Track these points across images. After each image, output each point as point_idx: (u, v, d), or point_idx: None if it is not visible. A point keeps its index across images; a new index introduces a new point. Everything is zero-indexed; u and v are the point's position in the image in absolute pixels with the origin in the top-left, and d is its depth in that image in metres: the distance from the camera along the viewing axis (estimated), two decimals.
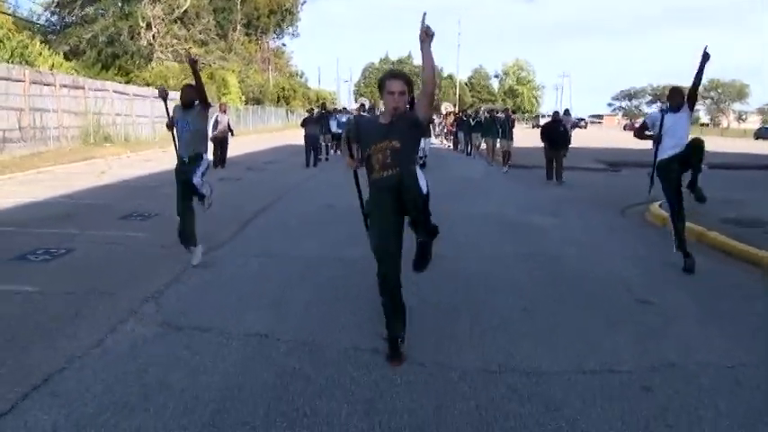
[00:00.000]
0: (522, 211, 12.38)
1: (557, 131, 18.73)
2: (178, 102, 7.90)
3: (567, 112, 27.85)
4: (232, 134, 21.56)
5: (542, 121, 79.86)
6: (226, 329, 5.39)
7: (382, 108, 19.73)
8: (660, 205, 12.36)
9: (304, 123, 23.67)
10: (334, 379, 4.47)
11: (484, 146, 27.60)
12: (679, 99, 8.16)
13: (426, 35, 4.60)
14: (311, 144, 22.92)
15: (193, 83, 7.76)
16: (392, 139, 4.65)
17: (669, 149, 8.05)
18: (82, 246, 8.48)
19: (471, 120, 30.63)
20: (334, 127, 25.59)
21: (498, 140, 24.15)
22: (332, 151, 26.59)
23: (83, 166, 19.71)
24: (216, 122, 20.38)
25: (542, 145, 18.98)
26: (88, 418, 3.85)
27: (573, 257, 8.44)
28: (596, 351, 5.11)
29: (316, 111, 26.30)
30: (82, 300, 6.19)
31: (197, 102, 7.73)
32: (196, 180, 7.58)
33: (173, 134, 7.85)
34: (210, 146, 9.79)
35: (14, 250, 8.10)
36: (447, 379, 4.51)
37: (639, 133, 8.62)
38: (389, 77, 4.88)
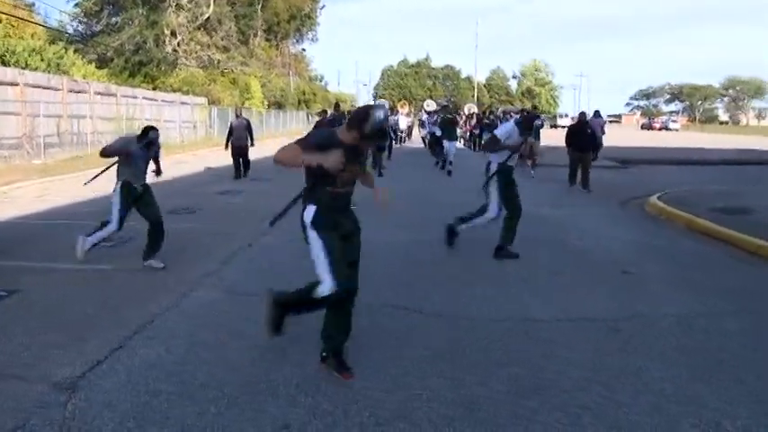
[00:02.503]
0: (532, 205, 13.48)
1: (583, 134, 17.17)
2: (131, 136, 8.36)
3: (597, 113, 25.49)
4: (251, 143, 19.07)
5: (560, 122, 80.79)
6: None
7: (400, 110, 20.52)
8: (659, 197, 13.48)
9: (317, 127, 19.57)
10: (372, 325, 5.69)
11: None
12: (530, 126, 8.75)
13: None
14: None
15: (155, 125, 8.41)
16: (355, 163, 4.73)
17: (512, 161, 8.62)
18: (140, 235, 9.65)
19: (498, 121, 27.98)
20: None
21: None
22: None
23: None
24: (231, 129, 18.99)
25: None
26: (182, 353, 5.05)
27: (572, 239, 9.60)
28: (579, 305, 6.37)
29: (329, 113, 22.69)
30: (153, 275, 7.46)
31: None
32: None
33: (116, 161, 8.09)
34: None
35: None
36: (459, 325, 5.74)
37: (493, 148, 8.70)
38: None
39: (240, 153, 18.80)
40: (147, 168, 8.16)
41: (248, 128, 18.94)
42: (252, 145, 19.05)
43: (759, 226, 9.94)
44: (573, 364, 4.85)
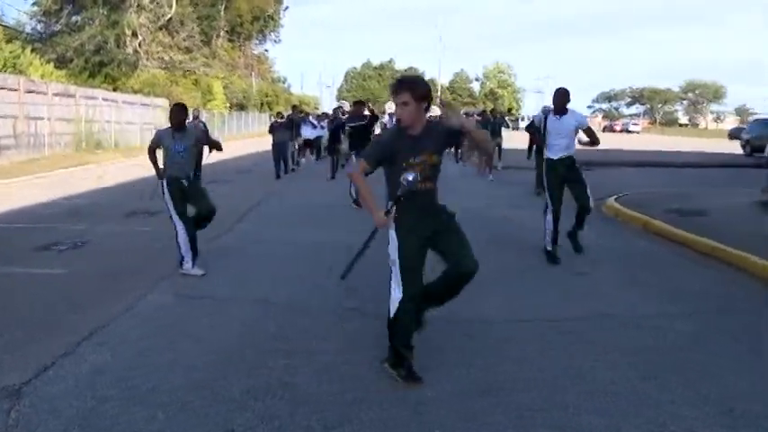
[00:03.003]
0: (492, 206, 13.57)
1: None
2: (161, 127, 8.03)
3: None
4: (210, 147, 17.73)
5: (522, 125, 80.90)
6: (232, 297, 6.58)
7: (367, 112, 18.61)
8: (616, 199, 13.64)
9: (272, 130, 20.63)
10: (320, 328, 5.71)
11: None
12: (561, 102, 8.30)
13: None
14: (281, 153, 20.12)
15: (182, 103, 8.08)
16: (430, 153, 4.43)
17: (558, 151, 8.37)
18: (96, 238, 9.62)
19: None
20: (307, 133, 23.74)
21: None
22: (302, 159, 24.40)
23: (80, 171, 20.79)
24: None
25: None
26: (131, 358, 5.00)
27: (530, 240, 9.64)
28: (531, 306, 6.45)
29: (286, 115, 22.71)
30: (107, 279, 7.35)
31: (189, 123, 7.95)
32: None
33: (154, 161, 7.95)
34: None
35: (38, 242, 9.23)
36: None
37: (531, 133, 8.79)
38: (391, 88, 4.53)
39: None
40: (191, 160, 7.87)
41: (204, 130, 17.31)
42: (210, 150, 17.43)
43: (714, 227, 10.09)
44: (522, 366, 4.88)
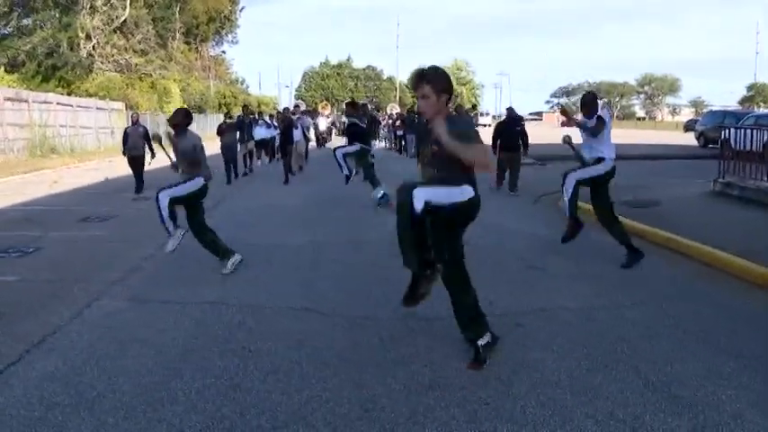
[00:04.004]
0: None
1: (512, 132, 16.24)
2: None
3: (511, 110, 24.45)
4: (152, 154, 16.05)
5: (481, 120, 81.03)
6: (184, 300, 6.54)
7: (321, 111, 20.23)
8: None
9: (220, 131, 19.47)
10: (272, 328, 5.71)
11: None
12: (585, 107, 8.51)
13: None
14: (230, 155, 19.08)
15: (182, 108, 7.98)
16: (431, 144, 4.59)
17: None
18: (49, 244, 9.50)
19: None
20: (261, 133, 22.56)
21: None
22: (258, 162, 23.36)
23: (34, 177, 20.48)
24: (125, 137, 16.46)
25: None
26: (80, 364, 4.95)
27: (481, 237, 9.69)
28: (484, 301, 6.27)
29: (236, 115, 21.99)
30: (58, 285, 7.26)
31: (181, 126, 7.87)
32: (161, 194, 7.47)
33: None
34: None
35: None
36: (361, 324, 5.79)
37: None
38: (411, 81, 4.83)
39: (135, 164, 16.26)
40: (182, 163, 7.87)
41: (145, 136, 16.42)
42: (153, 156, 16.13)
43: (666, 218, 10.25)
44: None
